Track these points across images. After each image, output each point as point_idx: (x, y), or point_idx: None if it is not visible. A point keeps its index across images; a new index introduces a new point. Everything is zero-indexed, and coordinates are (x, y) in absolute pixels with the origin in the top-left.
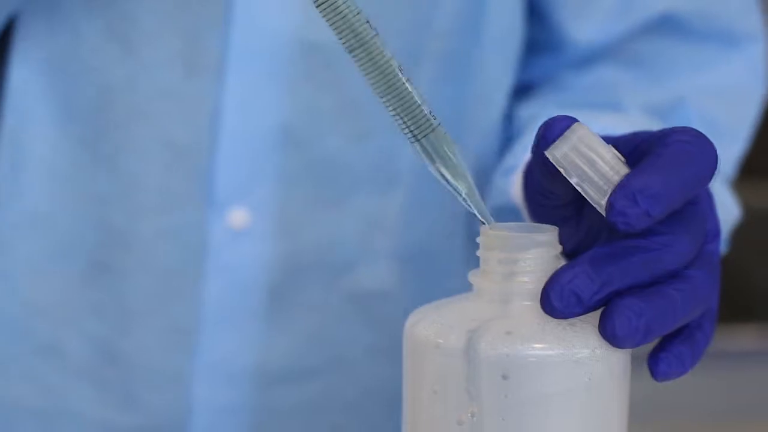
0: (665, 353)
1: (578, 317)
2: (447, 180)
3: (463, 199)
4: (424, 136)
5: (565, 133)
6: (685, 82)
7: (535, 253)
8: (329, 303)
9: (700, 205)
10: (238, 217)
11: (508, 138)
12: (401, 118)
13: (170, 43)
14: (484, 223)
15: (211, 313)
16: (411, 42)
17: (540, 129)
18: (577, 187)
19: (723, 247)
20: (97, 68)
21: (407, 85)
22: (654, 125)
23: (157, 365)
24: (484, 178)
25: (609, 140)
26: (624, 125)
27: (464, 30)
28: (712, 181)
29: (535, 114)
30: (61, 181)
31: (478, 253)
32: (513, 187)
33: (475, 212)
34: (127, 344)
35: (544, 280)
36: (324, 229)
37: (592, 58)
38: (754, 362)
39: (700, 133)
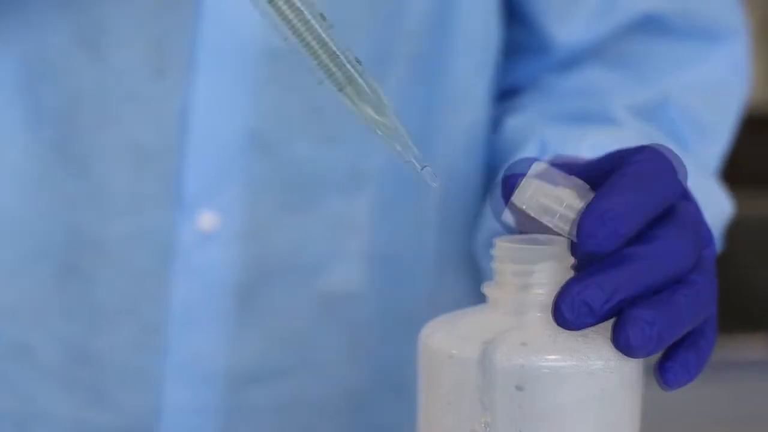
0: (671, 362)
1: (590, 328)
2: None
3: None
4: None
5: (522, 183)
6: (668, 81)
7: (547, 265)
8: (299, 305)
9: (689, 210)
10: (207, 219)
11: (494, 150)
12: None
13: (139, 49)
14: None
15: (180, 314)
16: (380, 43)
17: (501, 184)
18: (550, 225)
19: (717, 245)
20: (66, 73)
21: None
22: (644, 137)
23: (128, 365)
24: (451, 183)
25: (577, 167)
26: (612, 142)
27: (433, 32)
28: (694, 180)
29: (523, 130)
30: (31, 184)
31: (492, 264)
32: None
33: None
34: (98, 345)
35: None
36: (293, 231)
37: (577, 60)
38: (760, 372)
39: (658, 151)
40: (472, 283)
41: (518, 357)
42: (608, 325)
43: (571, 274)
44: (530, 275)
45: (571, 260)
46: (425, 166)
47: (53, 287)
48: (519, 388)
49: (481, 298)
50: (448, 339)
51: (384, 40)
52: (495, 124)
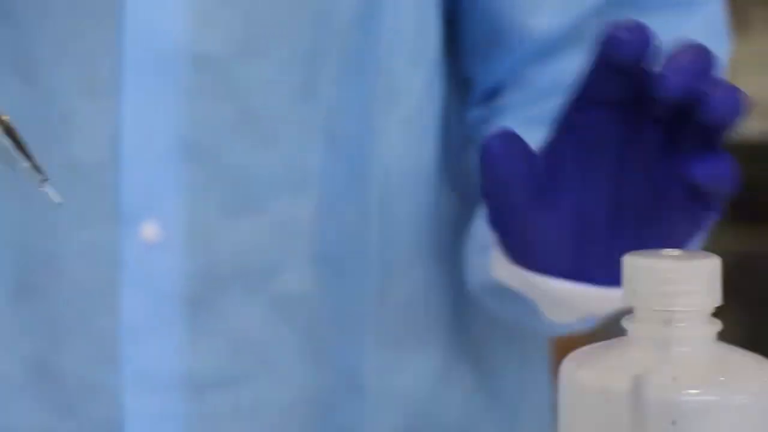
0: None
1: (737, 363)
2: None
3: None
4: None
5: None
6: None
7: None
8: (252, 310)
9: None
10: (149, 230)
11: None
12: None
13: (68, 69)
14: None
15: (132, 325)
16: (308, 42)
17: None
18: None
19: None
20: (1, 101)
21: None
22: None
23: (88, 378)
24: (391, 179)
25: None
26: None
27: (363, 26)
28: None
29: None
30: None
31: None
32: (493, 263)
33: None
34: (58, 360)
35: (704, 324)
36: (238, 237)
37: (554, 47)
38: None
39: None
40: (422, 279)
41: (671, 392)
42: (756, 362)
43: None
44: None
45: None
46: (45, 180)
47: (8, 306)
48: (674, 423)
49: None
50: (596, 373)
51: (313, 38)
52: (482, 124)
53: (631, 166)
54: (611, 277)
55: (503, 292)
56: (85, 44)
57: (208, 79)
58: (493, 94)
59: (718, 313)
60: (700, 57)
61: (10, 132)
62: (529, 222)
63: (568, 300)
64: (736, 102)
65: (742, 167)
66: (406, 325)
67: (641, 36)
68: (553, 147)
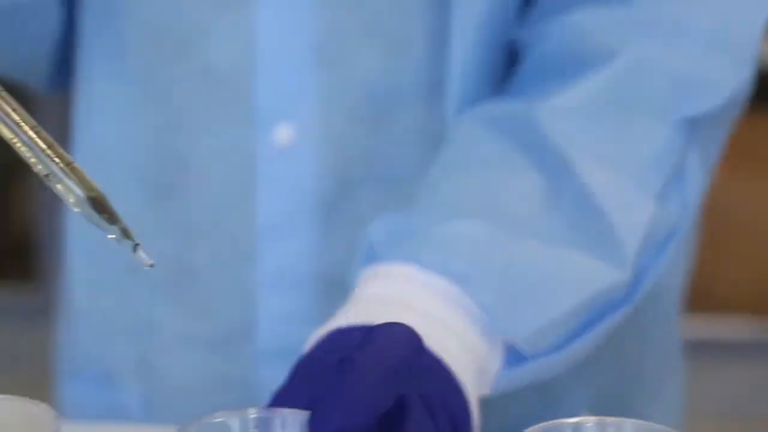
0: None
1: None
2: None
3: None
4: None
5: None
6: None
7: None
8: (381, 213)
9: None
10: (283, 133)
11: None
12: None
13: None
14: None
15: (267, 226)
16: None
17: None
18: None
19: None
20: (142, 6)
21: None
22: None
23: (224, 278)
24: None
25: None
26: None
27: None
28: None
29: None
30: (120, 113)
31: None
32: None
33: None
34: (195, 260)
35: None
36: (371, 143)
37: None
38: None
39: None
40: None
41: None
42: None
43: None
44: None
45: None
46: (137, 244)
47: (148, 209)
48: None
49: None
50: None
51: None
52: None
53: None
54: None
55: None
56: None
57: None
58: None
59: None
60: None
61: (101, 204)
62: None
63: None
64: None
65: None
66: None
67: None
68: None
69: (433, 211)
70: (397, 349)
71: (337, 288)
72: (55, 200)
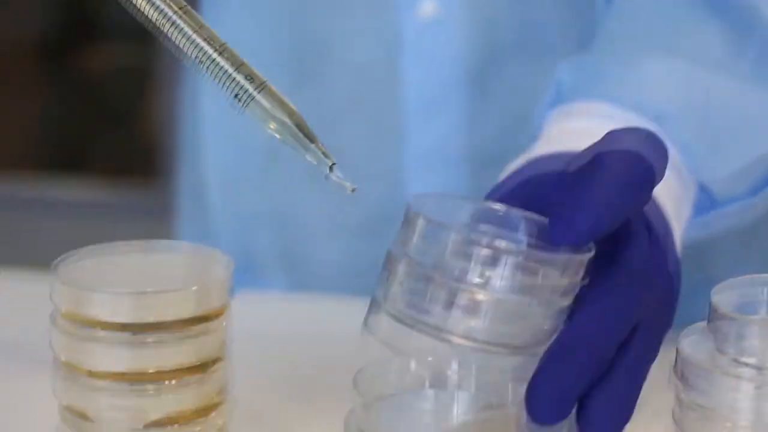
0: None
1: None
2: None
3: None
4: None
5: None
6: None
7: None
8: (532, 84)
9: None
10: (428, 7)
11: None
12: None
13: None
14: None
15: (415, 103)
16: None
17: None
18: None
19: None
20: None
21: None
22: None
23: (370, 160)
24: None
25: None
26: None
27: None
28: None
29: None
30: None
31: None
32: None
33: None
34: (338, 141)
35: None
36: (519, 12)
37: None
38: None
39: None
40: None
41: None
42: None
43: None
44: None
45: None
46: (333, 164)
47: (290, 92)
48: None
49: None
50: None
51: None
52: None
53: None
54: None
55: None
56: None
57: None
58: None
59: None
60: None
61: (300, 125)
62: None
63: None
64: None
65: None
66: None
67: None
68: None
69: (623, 53)
70: (635, 168)
71: (488, 166)
72: (184, 105)
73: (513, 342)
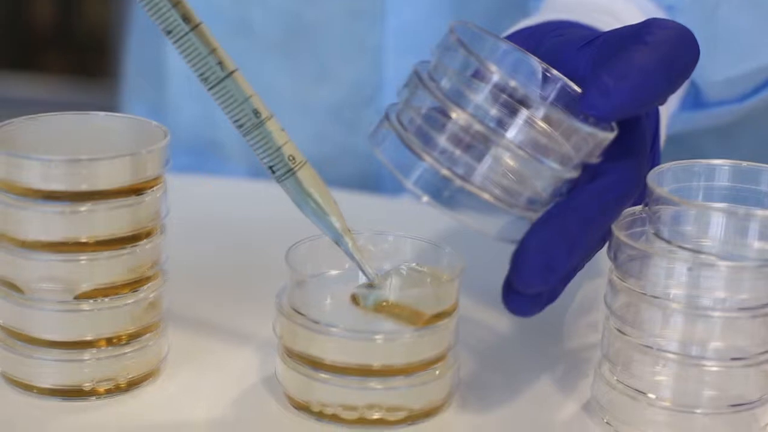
0: None
1: None
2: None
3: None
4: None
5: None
6: None
7: None
8: None
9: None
10: None
11: None
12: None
13: None
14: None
15: None
16: None
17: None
18: None
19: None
20: None
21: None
22: None
23: (346, 36)
24: None
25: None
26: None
27: None
28: None
29: None
30: None
31: None
32: None
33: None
34: (314, 15)
35: None
36: None
37: None
38: None
39: (679, 24)
40: None
41: None
42: None
43: None
44: None
45: None
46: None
47: None
48: None
49: None
50: None
51: None
52: None
53: None
54: None
55: None
56: None
57: None
58: None
59: None
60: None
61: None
62: None
63: None
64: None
65: None
66: None
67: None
68: None
69: None
70: (689, 44)
71: None
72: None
73: (506, 198)
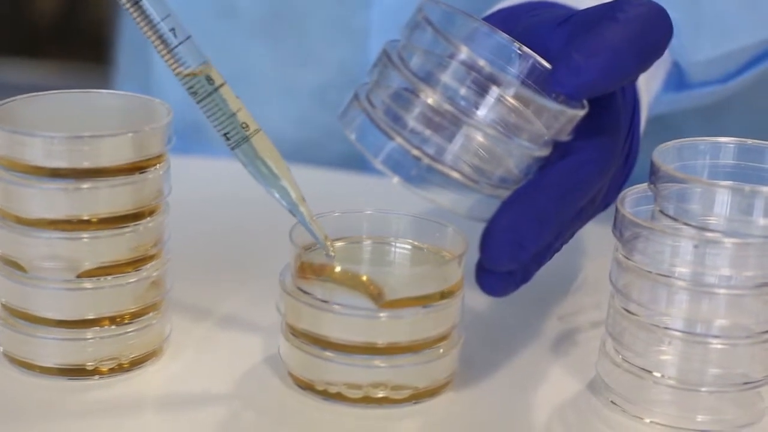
0: None
1: None
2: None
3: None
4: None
5: None
6: None
7: None
8: None
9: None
10: None
11: None
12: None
13: None
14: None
15: None
16: None
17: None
18: None
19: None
20: None
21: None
22: None
23: (331, 18)
24: None
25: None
26: None
27: None
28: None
29: None
30: None
31: None
32: None
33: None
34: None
35: None
36: None
37: None
38: None
39: (652, 1)
40: None
41: None
42: None
43: None
44: None
45: None
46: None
47: None
48: None
49: None
50: None
51: None
52: None
53: None
54: None
55: None
56: None
57: None
58: None
59: None
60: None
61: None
62: None
63: None
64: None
65: None
66: None
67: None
68: None
69: None
70: (660, 20)
71: None
72: None
73: (476, 176)
